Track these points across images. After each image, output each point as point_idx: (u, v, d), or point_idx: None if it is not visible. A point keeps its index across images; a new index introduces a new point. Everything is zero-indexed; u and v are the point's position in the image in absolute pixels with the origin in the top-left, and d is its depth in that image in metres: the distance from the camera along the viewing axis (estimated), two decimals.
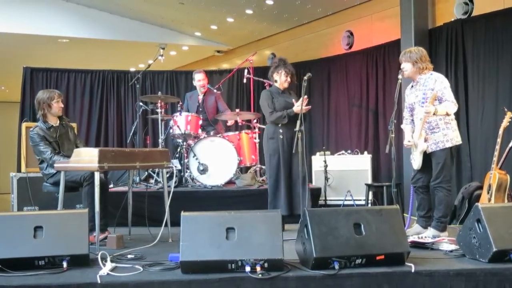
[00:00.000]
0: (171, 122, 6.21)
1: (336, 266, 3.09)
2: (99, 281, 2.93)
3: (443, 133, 4.30)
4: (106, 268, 3.11)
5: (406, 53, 4.46)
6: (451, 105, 4.28)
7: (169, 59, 10.16)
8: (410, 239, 3.88)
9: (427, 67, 4.43)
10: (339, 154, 6.82)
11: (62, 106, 4.72)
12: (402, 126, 4.66)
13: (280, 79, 5.04)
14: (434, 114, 4.21)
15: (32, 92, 7.90)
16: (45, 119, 4.63)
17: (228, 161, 5.99)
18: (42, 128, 4.57)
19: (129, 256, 3.66)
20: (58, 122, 4.70)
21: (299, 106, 4.73)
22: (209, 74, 8.53)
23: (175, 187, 5.09)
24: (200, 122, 6.30)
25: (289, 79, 5.05)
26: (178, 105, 6.54)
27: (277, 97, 4.99)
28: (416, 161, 4.43)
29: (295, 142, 4.52)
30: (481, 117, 5.98)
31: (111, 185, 6.16)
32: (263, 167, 6.63)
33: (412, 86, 4.55)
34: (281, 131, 4.94)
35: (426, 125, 4.32)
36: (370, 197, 6.25)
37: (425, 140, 4.32)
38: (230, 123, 6.82)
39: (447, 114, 4.29)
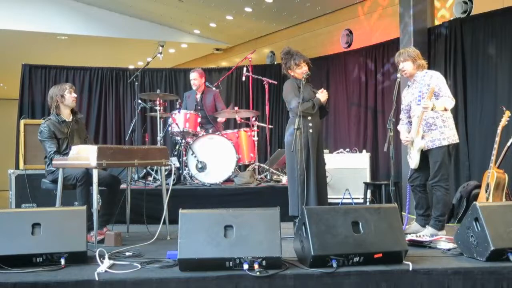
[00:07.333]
0: (170, 120, 6.20)
1: (334, 264, 3.10)
2: (97, 278, 2.94)
3: (440, 131, 4.29)
4: (104, 265, 3.12)
5: (403, 53, 4.45)
6: (448, 100, 4.27)
7: (168, 57, 10.15)
8: (408, 237, 3.88)
9: (424, 64, 4.45)
10: (338, 153, 6.81)
11: (76, 96, 4.55)
12: (398, 128, 4.64)
13: (297, 72, 4.63)
14: (432, 109, 4.20)
15: (30, 89, 7.88)
16: (58, 111, 4.49)
17: (227, 159, 5.98)
18: (54, 121, 4.43)
19: (127, 253, 3.65)
20: (71, 117, 4.57)
21: (321, 95, 4.64)
22: (208, 72, 8.54)
23: (173, 184, 5.10)
24: (199, 120, 6.30)
25: (305, 68, 4.63)
26: (177, 102, 6.53)
27: (303, 87, 4.52)
28: (413, 160, 4.42)
29: (293, 140, 4.37)
30: (479, 116, 5.98)
31: None
32: (262, 165, 6.63)
33: (408, 86, 4.55)
34: (310, 124, 4.54)
35: (423, 122, 4.32)
36: (369, 195, 6.25)
37: (422, 138, 4.33)
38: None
39: (445, 110, 4.29)
